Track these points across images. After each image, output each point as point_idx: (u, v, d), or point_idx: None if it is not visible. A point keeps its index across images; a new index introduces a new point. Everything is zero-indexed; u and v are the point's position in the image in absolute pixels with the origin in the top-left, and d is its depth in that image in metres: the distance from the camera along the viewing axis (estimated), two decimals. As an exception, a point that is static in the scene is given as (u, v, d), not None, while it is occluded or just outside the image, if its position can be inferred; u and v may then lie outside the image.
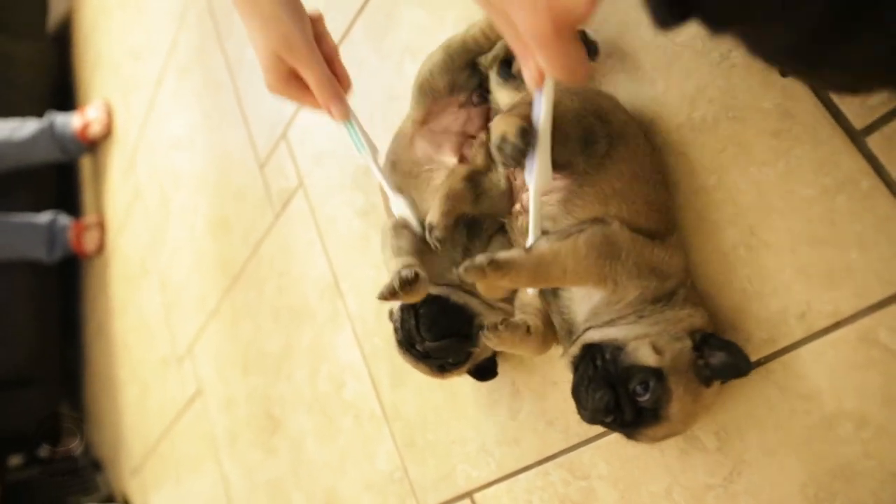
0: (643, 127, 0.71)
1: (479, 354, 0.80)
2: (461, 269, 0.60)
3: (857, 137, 0.58)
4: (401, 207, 0.80)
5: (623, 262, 0.62)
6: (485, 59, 0.81)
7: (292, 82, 0.73)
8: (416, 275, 0.70)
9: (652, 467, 0.72)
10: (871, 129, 0.57)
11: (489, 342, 0.69)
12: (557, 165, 0.63)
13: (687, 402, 0.60)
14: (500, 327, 0.67)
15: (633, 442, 0.65)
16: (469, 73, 0.81)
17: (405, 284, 0.69)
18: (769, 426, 0.63)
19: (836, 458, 0.59)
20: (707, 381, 0.61)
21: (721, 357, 0.60)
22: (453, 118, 0.81)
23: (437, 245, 0.72)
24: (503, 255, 0.60)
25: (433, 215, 0.72)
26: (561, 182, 0.67)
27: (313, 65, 0.71)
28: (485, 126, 0.80)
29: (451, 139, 0.80)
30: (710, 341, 0.61)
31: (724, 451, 0.66)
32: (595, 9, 0.44)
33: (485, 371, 0.86)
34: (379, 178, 0.80)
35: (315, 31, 0.73)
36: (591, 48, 0.74)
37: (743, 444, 0.65)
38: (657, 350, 0.60)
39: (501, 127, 0.62)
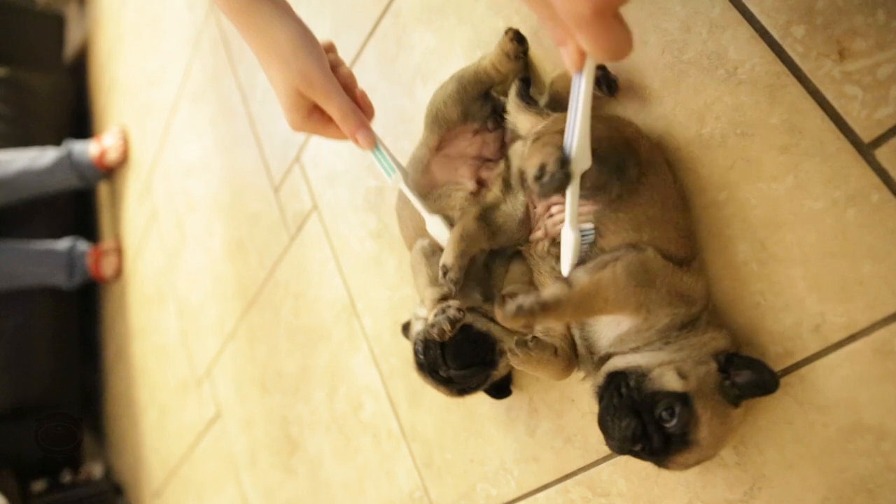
0: (664, 153, 0.71)
1: (497, 375, 0.81)
2: (508, 313, 0.58)
3: (865, 151, 0.58)
4: (437, 227, 0.79)
5: (658, 289, 0.62)
6: (498, 89, 0.82)
7: (315, 117, 0.73)
8: (462, 312, 0.71)
9: (671, 483, 0.72)
10: (878, 141, 0.58)
11: (515, 360, 0.69)
12: (594, 188, 0.63)
13: (715, 424, 0.60)
14: (531, 344, 0.67)
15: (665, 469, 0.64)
16: (482, 103, 0.81)
17: (454, 324, 0.70)
18: (788, 440, 0.63)
19: (857, 470, 0.59)
20: (735, 401, 0.61)
21: (747, 375, 0.60)
22: (468, 144, 0.82)
23: (453, 287, 0.73)
24: (549, 294, 0.60)
25: (447, 257, 0.73)
26: (593, 206, 0.67)
27: (334, 97, 0.71)
28: (500, 150, 0.81)
29: (467, 163, 0.81)
30: (735, 361, 0.61)
31: (744, 466, 0.66)
32: None
33: (500, 389, 0.87)
34: (412, 200, 0.79)
35: (330, 61, 0.73)
36: (611, 85, 0.74)
37: (762, 459, 0.65)
38: (682, 375, 0.60)
39: (538, 157, 0.60)
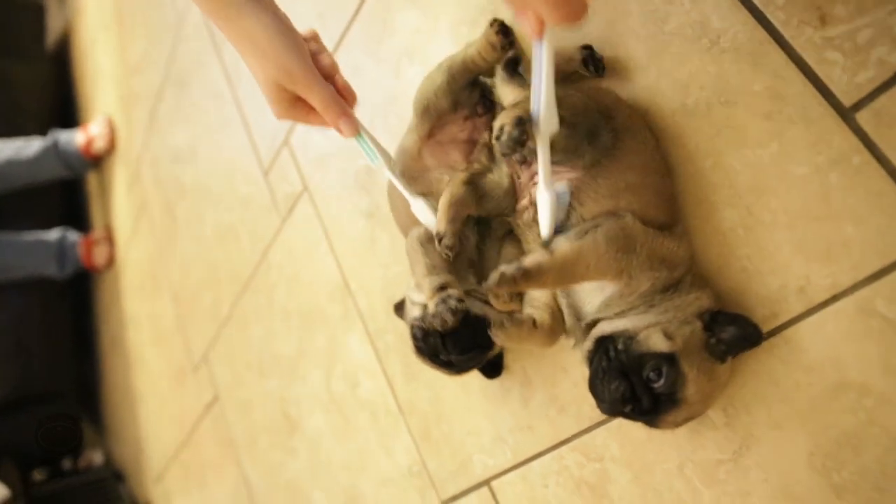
0: (646, 120, 0.72)
1: (490, 354, 0.83)
2: (491, 282, 0.61)
3: (846, 115, 0.59)
4: (422, 210, 0.79)
5: (637, 254, 0.63)
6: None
7: (298, 106, 0.73)
8: (462, 302, 0.73)
9: (663, 446, 0.74)
10: (859, 105, 0.59)
11: (496, 339, 0.71)
12: (566, 151, 0.65)
13: (702, 381, 0.62)
14: (507, 324, 0.70)
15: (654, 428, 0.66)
16: (470, 90, 0.82)
17: (456, 314, 0.72)
18: (775, 399, 0.65)
19: (841, 427, 0.61)
20: (722, 357, 0.63)
21: (731, 331, 0.62)
22: (459, 129, 0.83)
23: (448, 253, 0.73)
24: (530, 261, 0.62)
25: (440, 224, 0.73)
26: (571, 174, 0.68)
27: (315, 88, 0.71)
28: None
29: (459, 147, 0.82)
30: (719, 318, 0.63)
31: (733, 427, 0.68)
32: None
33: (493, 368, 0.89)
34: (397, 184, 0.79)
35: (311, 50, 0.73)
36: (597, 65, 0.75)
37: (750, 419, 0.67)
38: (668, 336, 0.62)
39: (500, 119, 0.63)
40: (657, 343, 0.62)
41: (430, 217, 0.79)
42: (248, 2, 0.70)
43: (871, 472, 0.59)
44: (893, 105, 0.57)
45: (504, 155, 0.68)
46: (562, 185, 0.67)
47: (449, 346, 0.77)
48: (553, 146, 0.63)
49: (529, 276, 0.61)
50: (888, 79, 0.57)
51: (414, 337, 0.82)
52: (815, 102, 0.61)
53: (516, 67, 0.80)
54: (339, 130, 0.74)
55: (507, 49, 0.80)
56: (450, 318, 0.71)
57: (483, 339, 0.78)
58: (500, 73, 0.80)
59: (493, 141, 0.64)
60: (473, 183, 0.75)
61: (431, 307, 0.74)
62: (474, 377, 0.95)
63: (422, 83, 0.85)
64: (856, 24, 0.58)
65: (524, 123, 0.61)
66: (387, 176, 0.79)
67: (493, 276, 0.61)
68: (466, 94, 0.83)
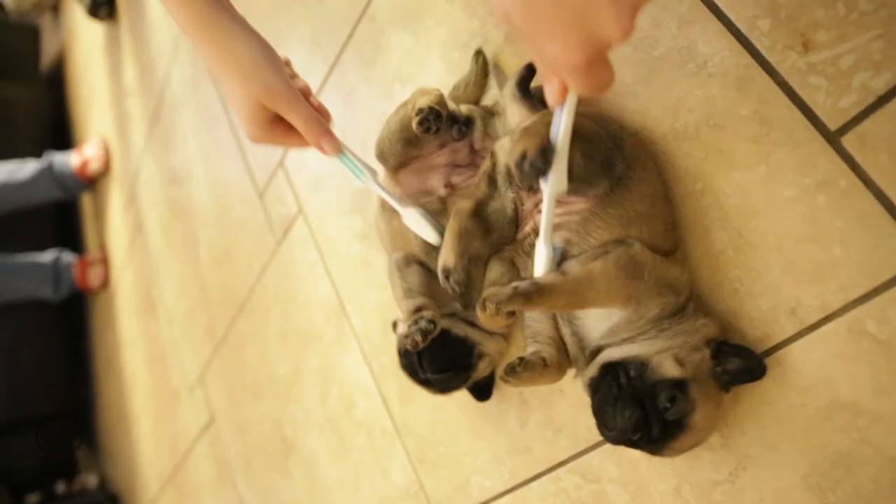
0: (650, 148, 0.73)
1: (477, 376, 0.84)
2: (504, 296, 0.59)
3: (832, 138, 0.60)
4: (414, 220, 0.78)
5: (646, 281, 0.64)
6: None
7: (275, 128, 0.73)
8: (434, 323, 0.73)
9: (660, 467, 0.74)
10: (844, 129, 0.60)
11: (509, 385, 0.70)
12: (582, 181, 0.64)
13: (709, 409, 0.62)
14: (519, 369, 0.68)
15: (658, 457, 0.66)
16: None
17: (426, 335, 0.72)
18: (769, 420, 0.65)
19: (835, 447, 0.61)
20: (726, 387, 0.63)
21: (736, 362, 0.62)
22: (437, 156, 0.83)
23: (457, 288, 0.71)
24: (545, 279, 0.62)
25: (448, 258, 0.71)
26: (582, 205, 0.68)
27: (297, 107, 0.71)
28: (471, 155, 0.82)
29: (437, 171, 0.83)
30: (724, 348, 0.63)
31: (728, 448, 0.69)
32: (630, 36, 0.43)
33: (481, 391, 0.90)
34: (385, 197, 0.79)
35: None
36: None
37: (746, 440, 0.67)
38: (680, 362, 0.62)
39: (521, 145, 0.61)
40: (670, 369, 0.62)
41: (423, 226, 0.78)
42: (231, 22, 0.71)
43: (865, 491, 0.60)
44: (877, 129, 0.58)
45: (522, 182, 0.65)
46: (559, 240, 0.67)
47: (425, 365, 0.79)
48: (570, 175, 0.62)
49: (543, 293, 0.60)
50: (871, 103, 0.58)
51: (398, 354, 0.84)
52: (800, 126, 0.62)
53: (528, 84, 0.78)
54: (321, 149, 0.74)
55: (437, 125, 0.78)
56: (420, 339, 0.72)
57: (462, 360, 0.80)
58: (511, 87, 0.78)
59: (514, 167, 0.62)
60: (479, 214, 0.74)
61: (405, 329, 0.75)
62: (470, 398, 0.95)
63: (382, 126, 0.85)
64: (838, 50, 0.59)
65: (547, 152, 0.60)
66: (375, 190, 0.79)
67: (506, 291, 0.59)
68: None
